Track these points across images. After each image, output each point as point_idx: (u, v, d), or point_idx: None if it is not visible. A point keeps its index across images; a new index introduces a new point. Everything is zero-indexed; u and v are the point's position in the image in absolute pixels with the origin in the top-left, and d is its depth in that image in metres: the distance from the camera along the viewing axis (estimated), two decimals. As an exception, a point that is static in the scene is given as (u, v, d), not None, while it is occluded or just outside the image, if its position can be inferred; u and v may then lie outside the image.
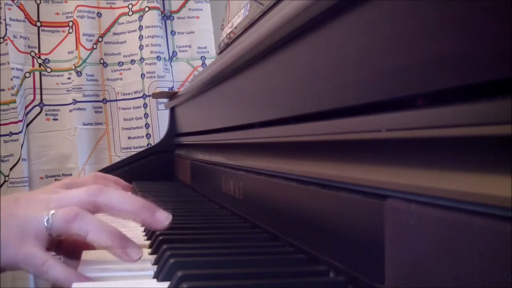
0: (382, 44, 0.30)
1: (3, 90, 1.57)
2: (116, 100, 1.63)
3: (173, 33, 1.65)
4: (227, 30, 0.89)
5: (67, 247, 0.52)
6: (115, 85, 1.64)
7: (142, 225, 0.59)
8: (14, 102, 1.54)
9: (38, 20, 1.63)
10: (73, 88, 1.60)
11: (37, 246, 0.43)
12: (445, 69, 0.24)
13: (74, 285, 0.40)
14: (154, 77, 1.58)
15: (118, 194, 0.47)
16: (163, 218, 0.47)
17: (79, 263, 0.47)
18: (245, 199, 0.63)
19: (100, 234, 0.44)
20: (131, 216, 0.47)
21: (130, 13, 1.63)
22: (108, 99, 1.63)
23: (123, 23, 1.64)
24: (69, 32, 1.64)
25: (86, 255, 0.50)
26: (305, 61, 0.42)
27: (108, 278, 0.43)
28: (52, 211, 0.44)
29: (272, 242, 0.52)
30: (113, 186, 0.52)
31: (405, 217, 0.27)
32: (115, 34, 1.64)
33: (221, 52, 0.95)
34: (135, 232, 0.61)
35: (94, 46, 1.62)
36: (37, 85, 1.62)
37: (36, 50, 1.63)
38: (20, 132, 1.55)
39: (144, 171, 1.27)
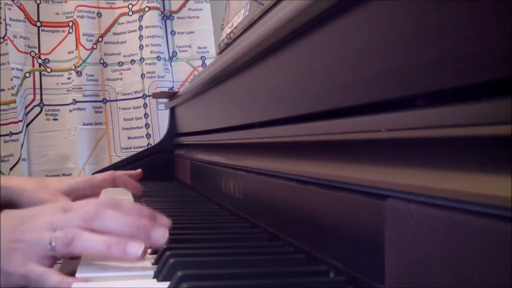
0: (382, 44, 0.30)
1: (3, 90, 1.57)
2: (116, 100, 1.63)
3: (173, 33, 1.64)
4: (227, 30, 0.89)
5: None
6: (115, 85, 1.64)
7: None
8: (14, 102, 1.54)
9: (38, 20, 1.63)
10: (73, 88, 1.60)
11: (36, 265, 0.46)
12: (445, 69, 0.24)
13: (74, 285, 0.40)
14: (154, 77, 1.58)
15: (113, 219, 0.48)
16: (159, 237, 0.48)
17: (79, 261, 0.48)
18: (245, 199, 0.63)
19: (97, 249, 0.46)
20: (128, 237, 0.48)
21: (130, 13, 1.63)
22: (108, 99, 1.63)
23: (123, 23, 1.64)
24: (69, 32, 1.64)
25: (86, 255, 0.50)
26: (305, 61, 0.42)
27: (108, 278, 0.43)
28: (55, 235, 0.46)
29: (271, 242, 0.52)
30: (112, 204, 0.52)
31: (405, 217, 0.27)
32: (115, 34, 1.64)
33: (221, 52, 0.95)
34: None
35: (94, 46, 1.62)
36: (37, 85, 1.62)
37: (36, 50, 1.62)
38: (20, 132, 1.55)
39: (144, 171, 1.27)
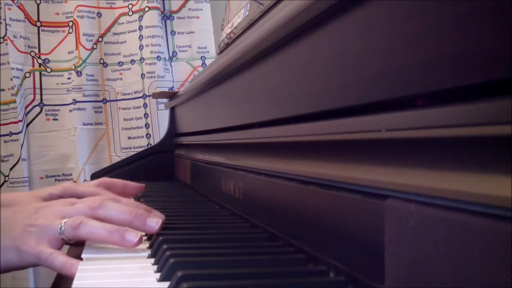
0: (382, 44, 0.30)
1: (3, 90, 1.57)
2: (116, 100, 1.63)
3: (173, 33, 1.64)
4: (227, 30, 0.89)
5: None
6: (115, 85, 1.64)
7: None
8: (14, 102, 1.54)
9: (38, 20, 1.63)
10: (73, 88, 1.59)
11: (46, 246, 0.53)
12: (445, 69, 0.24)
13: (74, 284, 0.41)
14: (154, 77, 1.58)
15: (114, 208, 0.57)
16: (153, 224, 0.56)
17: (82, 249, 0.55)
18: (245, 199, 0.63)
19: (100, 234, 0.53)
20: (126, 225, 0.56)
21: (130, 13, 1.63)
22: (108, 99, 1.63)
23: (123, 23, 1.64)
24: (69, 32, 1.64)
25: (86, 256, 0.51)
26: (305, 61, 0.42)
27: (107, 277, 0.43)
28: (64, 220, 0.54)
29: (272, 242, 0.52)
30: (113, 198, 0.60)
31: (405, 217, 0.27)
32: (115, 34, 1.64)
33: (221, 52, 0.95)
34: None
35: (94, 46, 1.62)
36: (37, 85, 1.62)
37: (36, 50, 1.62)
38: (20, 132, 1.55)
39: (144, 171, 1.27)
